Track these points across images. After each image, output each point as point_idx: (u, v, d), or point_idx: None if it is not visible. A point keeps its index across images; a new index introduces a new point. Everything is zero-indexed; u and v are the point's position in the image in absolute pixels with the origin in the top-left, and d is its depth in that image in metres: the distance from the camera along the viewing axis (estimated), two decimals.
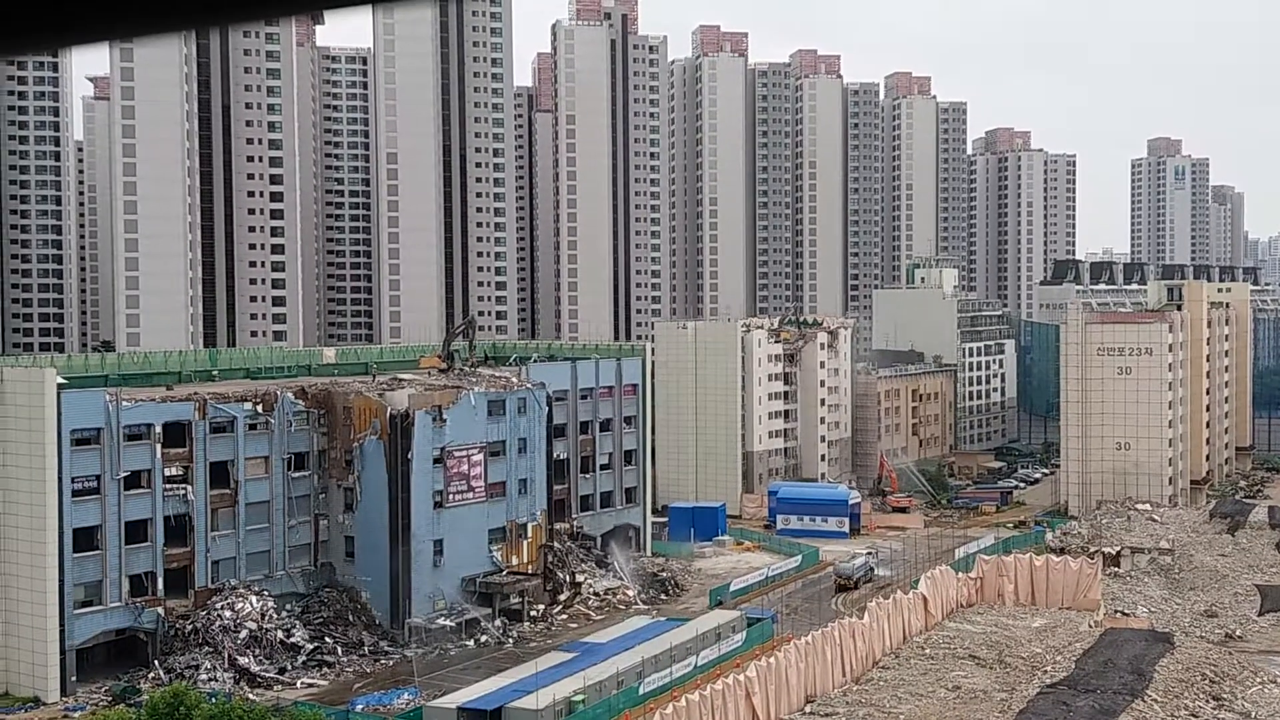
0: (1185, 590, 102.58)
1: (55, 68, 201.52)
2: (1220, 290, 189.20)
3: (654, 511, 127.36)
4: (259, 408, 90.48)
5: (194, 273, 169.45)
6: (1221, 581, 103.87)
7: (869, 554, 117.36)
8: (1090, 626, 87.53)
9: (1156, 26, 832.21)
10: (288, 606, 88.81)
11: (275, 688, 80.00)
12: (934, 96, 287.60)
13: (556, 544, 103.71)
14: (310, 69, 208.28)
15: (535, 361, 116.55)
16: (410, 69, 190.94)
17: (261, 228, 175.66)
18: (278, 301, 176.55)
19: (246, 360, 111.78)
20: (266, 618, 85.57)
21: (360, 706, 74.97)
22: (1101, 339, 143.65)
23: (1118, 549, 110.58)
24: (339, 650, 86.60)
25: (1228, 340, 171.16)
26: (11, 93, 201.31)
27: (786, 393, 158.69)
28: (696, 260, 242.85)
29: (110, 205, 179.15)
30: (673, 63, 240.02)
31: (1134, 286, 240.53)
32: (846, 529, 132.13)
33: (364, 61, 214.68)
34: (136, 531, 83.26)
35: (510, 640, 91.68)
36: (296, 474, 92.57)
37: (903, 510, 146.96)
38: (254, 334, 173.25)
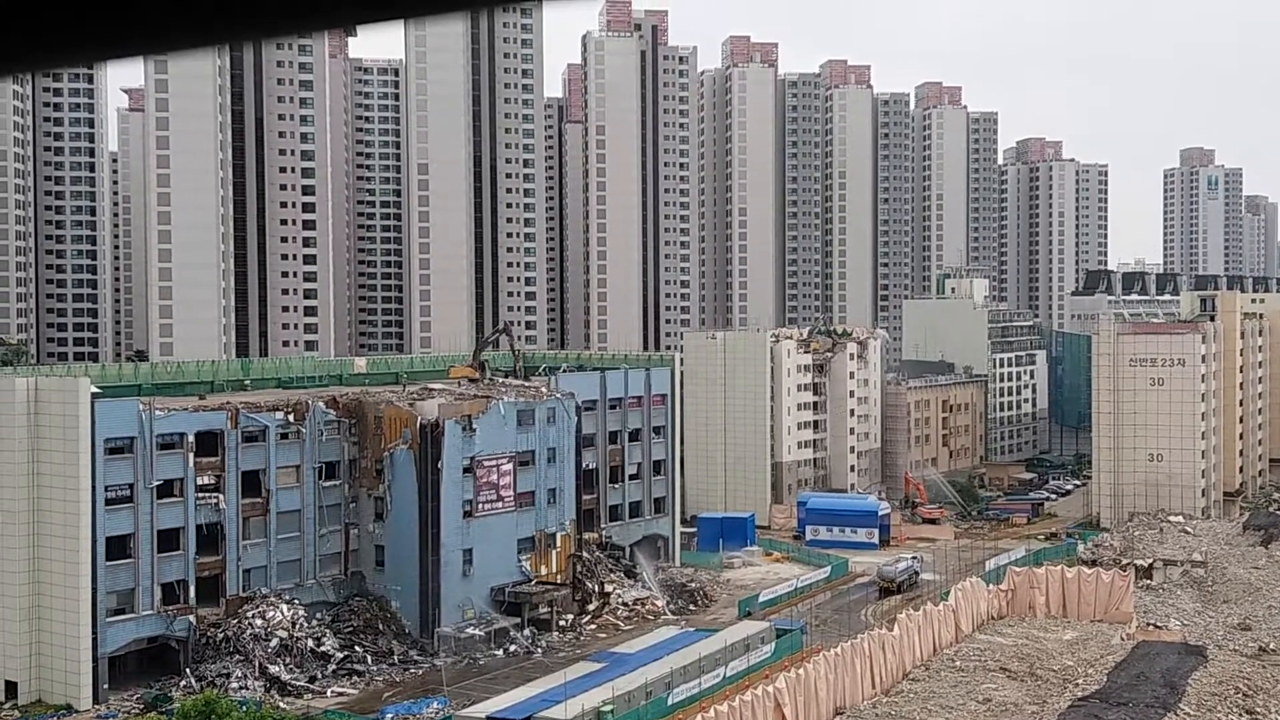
0: (1218, 603, 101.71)
1: (90, 80, 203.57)
2: (1254, 301, 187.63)
3: (683, 522, 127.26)
4: (291, 417, 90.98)
5: (227, 283, 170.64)
6: (1255, 594, 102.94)
7: (913, 558, 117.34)
8: (1122, 639, 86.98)
9: (1190, 37, 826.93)
10: (318, 615, 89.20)
11: (305, 696, 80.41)
12: (965, 106, 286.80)
13: (585, 554, 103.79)
14: (342, 80, 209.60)
15: (564, 371, 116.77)
16: (441, 80, 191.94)
17: (294, 238, 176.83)
18: (309, 311, 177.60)
19: (278, 370, 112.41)
20: (297, 626, 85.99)
21: (390, 715, 75.23)
22: (1134, 350, 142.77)
23: (1150, 561, 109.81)
24: (369, 659, 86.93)
25: (1261, 351, 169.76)
26: (47, 104, 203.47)
27: (816, 403, 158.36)
28: (726, 270, 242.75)
29: (144, 216, 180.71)
30: (703, 73, 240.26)
31: (1166, 297, 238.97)
32: (876, 540, 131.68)
33: (396, 73, 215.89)
34: (169, 540, 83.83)
35: (539, 650, 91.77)
36: (327, 483, 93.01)
37: (933, 521, 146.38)
38: (286, 344, 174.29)
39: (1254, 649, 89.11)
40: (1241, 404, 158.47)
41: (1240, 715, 71.47)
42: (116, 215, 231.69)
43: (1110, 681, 75.22)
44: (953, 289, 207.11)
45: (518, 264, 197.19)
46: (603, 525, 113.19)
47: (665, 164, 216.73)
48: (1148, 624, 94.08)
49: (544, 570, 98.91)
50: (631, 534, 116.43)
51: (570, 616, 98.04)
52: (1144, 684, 74.31)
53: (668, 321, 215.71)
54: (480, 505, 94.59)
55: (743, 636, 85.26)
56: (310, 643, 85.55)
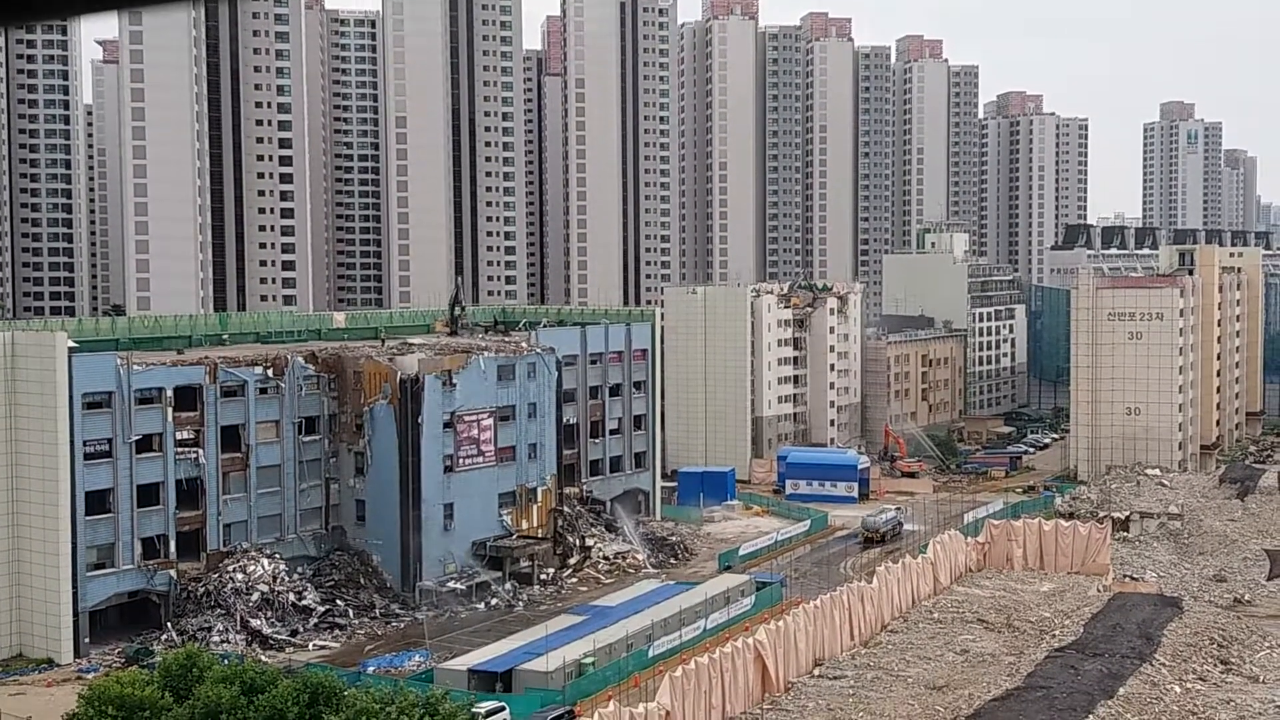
0: (1194, 555, 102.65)
1: (64, 31, 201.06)
2: (1232, 255, 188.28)
3: (663, 476, 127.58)
4: (269, 372, 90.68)
5: (204, 237, 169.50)
6: (1230, 546, 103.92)
7: (898, 510, 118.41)
8: (1099, 591, 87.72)
9: None
10: (299, 569, 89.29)
11: (287, 650, 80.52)
12: (945, 60, 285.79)
13: (566, 508, 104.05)
14: (319, 32, 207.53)
15: (545, 326, 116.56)
16: (419, 32, 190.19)
17: (271, 191, 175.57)
18: (287, 265, 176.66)
19: (257, 324, 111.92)
20: (278, 580, 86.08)
21: (371, 668, 75.42)
22: (1112, 304, 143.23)
23: (1127, 514, 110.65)
24: (350, 613, 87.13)
25: (1239, 305, 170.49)
26: (21, 56, 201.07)
27: (796, 358, 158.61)
28: (706, 224, 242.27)
29: (120, 169, 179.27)
30: (683, 25, 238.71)
31: (1145, 251, 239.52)
32: (855, 494, 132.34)
33: (373, 25, 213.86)
34: (148, 495, 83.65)
35: (520, 603, 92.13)
36: (307, 438, 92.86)
37: (912, 475, 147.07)
38: (264, 298, 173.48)
39: (1229, 600, 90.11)
40: (1219, 357, 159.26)
41: (1215, 666, 72.25)
42: (92, 168, 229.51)
43: (1086, 633, 75.90)
44: (933, 243, 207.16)
45: (497, 218, 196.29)
46: (583, 480, 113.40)
47: (645, 117, 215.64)
48: (1124, 576, 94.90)
49: (525, 524, 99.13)
50: (612, 488, 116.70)
51: (551, 570, 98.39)
52: (1120, 635, 75.02)
53: (648, 276, 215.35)
54: (461, 460, 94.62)
55: (723, 589, 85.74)
56: (291, 597, 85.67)
